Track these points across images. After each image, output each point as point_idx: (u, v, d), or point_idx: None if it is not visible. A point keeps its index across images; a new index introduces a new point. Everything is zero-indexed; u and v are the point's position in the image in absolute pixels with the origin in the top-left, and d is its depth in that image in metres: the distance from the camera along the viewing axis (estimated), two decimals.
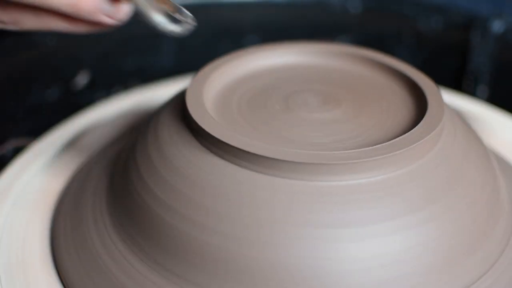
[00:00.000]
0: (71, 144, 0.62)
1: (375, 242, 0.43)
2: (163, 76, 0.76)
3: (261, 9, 0.85)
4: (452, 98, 0.68)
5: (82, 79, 0.77)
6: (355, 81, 0.54)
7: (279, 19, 0.86)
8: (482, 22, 0.78)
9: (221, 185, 0.44)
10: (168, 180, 0.46)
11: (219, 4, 0.82)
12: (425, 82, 0.52)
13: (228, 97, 0.52)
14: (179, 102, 0.51)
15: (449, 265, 0.44)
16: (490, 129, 0.64)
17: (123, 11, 0.45)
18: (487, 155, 0.51)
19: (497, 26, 0.78)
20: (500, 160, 0.58)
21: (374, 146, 0.45)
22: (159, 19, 0.43)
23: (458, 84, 0.80)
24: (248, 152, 0.44)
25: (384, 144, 0.45)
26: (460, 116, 0.53)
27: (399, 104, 0.51)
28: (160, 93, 0.68)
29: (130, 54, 0.79)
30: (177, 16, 0.44)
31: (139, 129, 0.54)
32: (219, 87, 0.52)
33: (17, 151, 0.64)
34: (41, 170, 0.58)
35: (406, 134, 0.47)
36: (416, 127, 0.47)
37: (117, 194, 0.50)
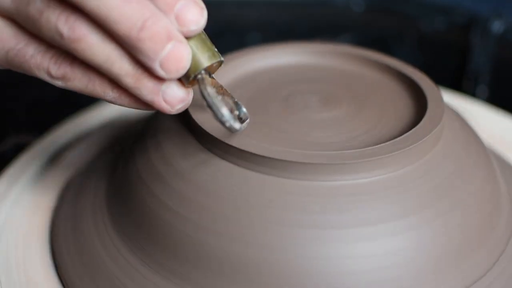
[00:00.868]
0: (72, 144, 0.61)
1: (375, 242, 0.43)
2: None
3: (263, 7, 0.85)
4: (452, 98, 0.68)
5: None
6: (355, 81, 0.54)
7: (282, 17, 0.86)
8: (482, 22, 0.78)
9: (221, 185, 0.44)
10: (168, 181, 0.46)
11: (221, 1, 0.82)
12: (425, 82, 0.52)
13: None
14: None
15: (448, 266, 0.44)
16: (490, 129, 0.64)
17: (186, 100, 0.43)
18: (486, 155, 0.51)
19: (497, 26, 0.78)
20: (500, 159, 0.58)
21: (374, 146, 0.45)
22: (227, 115, 0.42)
23: (458, 84, 0.80)
24: (248, 152, 0.44)
25: (384, 144, 0.45)
26: (460, 116, 0.53)
27: (399, 104, 0.51)
28: None
29: None
30: (236, 112, 0.45)
31: (139, 129, 0.54)
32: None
33: (17, 148, 0.63)
34: (41, 170, 0.58)
35: (406, 134, 0.47)
36: (416, 127, 0.47)
37: (117, 194, 0.50)
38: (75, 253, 0.49)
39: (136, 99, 0.43)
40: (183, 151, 0.47)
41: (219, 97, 0.43)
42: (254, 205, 0.43)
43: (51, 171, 0.58)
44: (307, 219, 0.43)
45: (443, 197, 0.45)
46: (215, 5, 0.79)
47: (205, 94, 0.42)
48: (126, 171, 0.50)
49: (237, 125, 0.42)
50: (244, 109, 0.45)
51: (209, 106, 0.42)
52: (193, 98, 0.44)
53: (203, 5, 0.41)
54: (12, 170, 0.58)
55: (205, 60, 0.42)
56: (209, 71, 0.43)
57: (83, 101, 0.70)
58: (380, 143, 0.46)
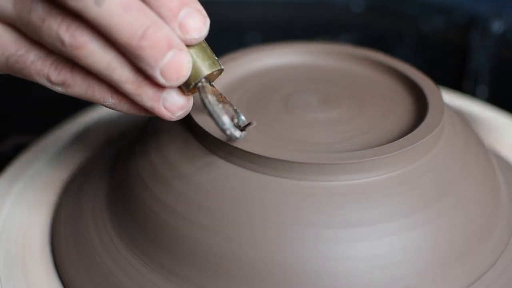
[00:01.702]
0: (72, 143, 0.61)
1: (375, 242, 0.43)
2: None
3: (263, 7, 0.85)
4: (452, 98, 0.68)
5: None
6: (355, 81, 0.54)
7: (281, 17, 0.86)
8: (482, 22, 0.78)
9: (221, 186, 0.44)
10: (168, 181, 0.46)
11: (220, 1, 0.82)
12: (425, 82, 0.52)
13: (228, 97, 0.52)
14: None
15: (450, 265, 0.44)
16: (490, 129, 0.64)
17: (186, 107, 0.43)
18: (487, 155, 0.51)
19: (497, 26, 0.78)
20: (500, 159, 0.58)
21: (375, 146, 0.45)
22: (228, 124, 0.42)
23: (458, 84, 0.80)
24: (248, 153, 0.44)
25: (384, 144, 0.45)
26: (460, 116, 0.53)
27: (399, 104, 0.51)
28: None
29: None
30: (235, 120, 0.45)
31: (139, 128, 0.54)
32: (219, 87, 0.52)
33: (17, 148, 0.63)
34: (41, 169, 0.58)
35: (406, 134, 0.47)
36: (417, 127, 0.47)
37: (117, 194, 0.50)
38: (75, 253, 0.49)
39: (136, 105, 0.43)
40: (184, 151, 0.47)
41: (220, 105, 0.43)
42: (254, 205, 0.43)
43: (51, 171, 0.58)
44: (309, 219, 0.43)
45: (443, 197, 0.45)
46: (214, 4, 0.79)
47: (206, 102, 0.42)
48: (126, 172, 0.50)
49: (237, 133, 0.43)
50: (243, 117, 0.45)
51: (210, 114, 0.42)
52: (193, 100, 0.44)
53: (205, 13, 0.41)
54: (12, 170, 0.58)
55: (206, 68, 0.42)
56: (209, 79, 0.43)
57: (83, 101, 0.70)
58: (380, 143, 0.46)
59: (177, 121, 0.45)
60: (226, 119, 0.42)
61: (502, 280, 0.46)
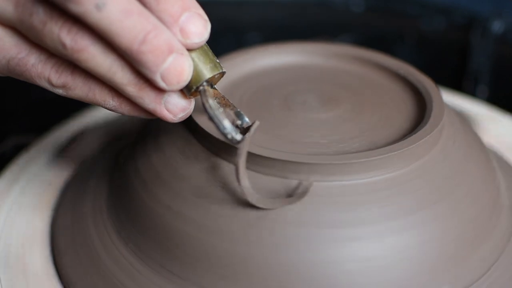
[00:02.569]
0: (72, 144, 0.61)
1: (373, 243, 0.43)
2: None
3: (263, 7, 0.85)
4: (452, 98, 0.68)
5: None
6: (355, 81, 0.54)
7: (281, 17, 0.86)
8: (482, 22, 0.78)
9: (221, 185, 0.44)
10: (167, 180, 0.46)
11: (220, 1, 0.82)
12: (425, 82, 0.52)
13: (228, 97, 0.52)
14: None
15: (449, 266, 0.44)
16: (489, 129, 0.64)
17: (187, 109, 0.43)
18: (486, 155, 0.51)
19: (497, 26, 0.78)
20: (500, 159, 0.58)
21: (374, 147, 0.45)
22: (229, 128, 0.42)
23: (458, 84, 0.80)
24: (248, 153, 0.44)
25: (384, 144, 0.45)
26: (460, 116, 0.53)
27: (399, 104, 0.51)
28: None
29: None
30: (239, 122, 0.45)
31: (139, 129, 0.54)
32: (219, 87, 0.52)
33: (17, 148, 0.63)
34: (41, 170, 0.58)
35: (406, 134, 0.47)
36: (417, 127, 0.47)
37: (117, 194, 0.50)
38: (75, 252, 0.49)
39: (137, 107, 0.43)
40: (184, 152, 0.47)
41: (221, 109, 0.43)
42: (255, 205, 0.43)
43: (51, 171, 0.58)
44: (308, 219, 0.43)
45: (443, 196, 0.45)
46: (214, 5, 0.79)
47: (207, 106, 0.42)
48: (126, 172, 0.50)
49: (238, 136, 0.43)
50: (246, 119, 0.45)
51: (211, 119, 0.42)
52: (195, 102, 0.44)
53: (207, 17, 0.41)
54: (12, 170, 0.58)
55: (207, 72, 0.42)
56: (211, 82, 0.43)
57: (83, 102, 0.70)
58: (381, 144, 0.46)
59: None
60: (226, 123, 0.42)
61: (501, 281, 0.46)
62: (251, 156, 0.44)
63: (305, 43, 0.57)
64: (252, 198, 0.42)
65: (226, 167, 0.45)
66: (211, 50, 0.43)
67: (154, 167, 0.47)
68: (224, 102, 0.45)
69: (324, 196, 0.43)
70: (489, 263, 0.46)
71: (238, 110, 0.45)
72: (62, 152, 0.60)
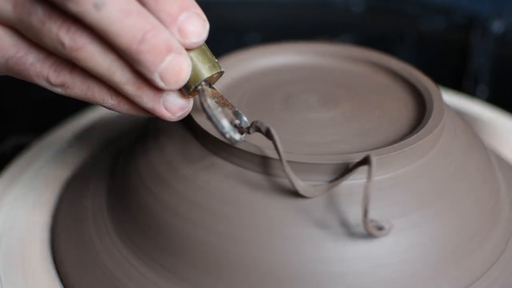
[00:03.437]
0: (72, 143, 0.61)
1: (373, 242, 0.43)
2: None
3: (263, 7, 0.85)
4: (452, 98, 0.68)
5: None
6: (355, 81, 0.54)
7: (281, 17, 0.86)
8: (482, 22, 0.78)
9: (221, 185, 0.44)
10: (168, 180, 0.46)
11: (220, 2, 0.82)
12: (425, 82, 0.52)
13: (228, 97, 0.52)
14: None
15: (448, 266, 0.44)
16: (490, 129, 0.64)
17: (186, 107, 0.43)
18: (487, 155, 0.51)
19: (497, 26, 0.78)
20: (500, 159, 0.58)
21: (374, 147, 0.45)
22: (227, 127, 0.42)
23: (458, 84, 0.80)
24: (247, 152, 0.44)
25: (384, 144, 0.45)
26: (460, 116, 0.53)
27: (399, 104, 0.51)
28: None
29: None
30: (237, 121, 0.45)
31: (139, 128, 0.54)
32: (219, 87, 0.52)
33: (17, 148, 0.63)
34: (42, 169, 0.58)
35: (406, 134, 0.47)
36: (417, 127, 0.47)
37: (117, 194, 0.50)
38: (75, 252, 0.49)
39: (136, 106, 0.43)
40: (184, 151, 0.47)
41: (219, 109, 0.43)
42: (255, 205, 0.43)
43: (51, 171, 0.58)
44: (306, 219, 0.43)
45: (443, 196, 0.45)
46: (214, 5, 0.79)
47: (205, 106, 0.42)
48: (126, 172, 0.50)
49: (237, 136, 0.43)
50: (245, 118, 0.45)
51: (209, 118, 0.43)
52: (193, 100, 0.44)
53: (205, 17, 0.41)
54: (12, 169, 0.58)
55: (206, 71, 0.42)
56: (210, 81, 0.43)
57: (83, 101, 0.70)
58: (381, 144, 0.46)
59: (177, 121, 0.45)
60: (225, 123, 0.42)
61: (501, 281, 0.46)
62: (251, 155, 0.44)
63: (305, 43, 0.57)
64: (300, 187, 0.42)
65: (226, 167, 0.45)
66: (209, 50, 0.43)
67: (154, 167, 0.47)
68: (223, 102, 0.45)
69: (324, 196, 0.43)
70: (489, 263, 0.46)
71: (237, 109, 0.45)
72: (62, 152, 0.60)
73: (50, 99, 0.73)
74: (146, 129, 0.51)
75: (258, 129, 0.43)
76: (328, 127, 0.48)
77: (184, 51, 0.41)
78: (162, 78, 0.40)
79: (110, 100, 0.43)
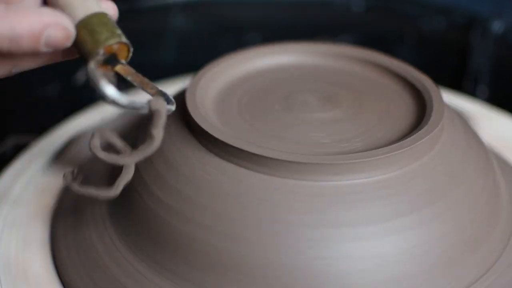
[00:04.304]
0: (71, 144, 0.61)
1: (373, 242, 0.43)
2: (163, 76, 0.76)
3: (263, 8, 0.85)
4: (452, 98, 0.68)
5: (82, 75, 0.76)
6: (355, 81, 0.54)
7: (281, 17, 0.86)
8: (482, 22, 0.78)
9: (221, 185, 0.44)
10: (168, 180, 0.46)
11: (220, 2, 0.82)
12: (425, 82, 0.52)
13: (228, 97, 0.52)
14: (179, 102, 0.50)
15: (449, 266, 0.44)
16: (489, 129, 0.64)
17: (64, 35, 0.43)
18: (486, 155, 0.51)
19: (497, 26, 0.78)
20: (500, 159, 0.58)
21: (374, 147, 0.45)
22: (109, 90, 0.42)
23: (458, 84, 0.80)
24: (247, 152, 0.44)
25: (384, 144, 0.45)
26: (460, 116, 0.53)
27: (399, 104, 0.51)
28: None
29: None
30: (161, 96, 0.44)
31: (139, 128, 0.54)
32: (219, 87, 0.52)
33: (17, 148, 0.63)
34: (41, 170, 0.58)
35: (406, 134, 0.47)
36: (417, 128, 0.47)
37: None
38: (75, 253, 0.49)
39: (44, 55, 0.44)
40: (183, 151, 0.47)
41: (101, 72, 0.42)
42: (255, 205, 0.43)
43: (51, 171, 0.58)
44: (305, 219, 0.43)
45: (443, 196, 0.45)
46: (214, 5, 0.79)
47: (88, 70, 0.42)
48: None
49: (123, 99, 0.42)
50: (171, 98, 0.44)
51: (91, 80, 0.42)
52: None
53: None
54: (12, 169, 0.58)
55: (103, 40, 0.43)
56: (118, 56, 0.44)
57: (83, 101, 0.70)
58: (380, 144, 0.46)
59: (177, 120, 0.46)
60: (104, 84, 0.42)
61: (501, 282, 0.46)
62: (250, 155, 0.44)
63: (305, 43, 0.57)
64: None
65: (227, 167, 0.45)
66: (115, 23, 0.43)
67: (154, 167, 0.47)
68: (140, 80, 0.45)
69: (325, 196, 0.43)
70: (489, 264, 0.46)
71: (160, 89, 0.45)
72: (62, 152, 0.60)
73: (50, 98, 0.73)
74: (146, 129, 0.51)
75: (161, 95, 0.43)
76: (328, 127, 0.48)
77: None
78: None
79: (27, 62, 0.44)
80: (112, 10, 0.45)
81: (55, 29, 0.41)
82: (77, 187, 0.45)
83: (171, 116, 0.49)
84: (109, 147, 0.44)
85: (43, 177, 0.58)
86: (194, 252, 0.44)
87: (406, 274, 0.43)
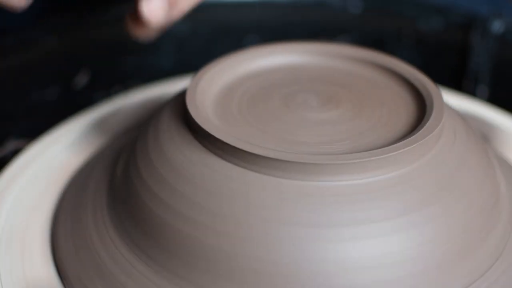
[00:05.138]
0: (71, 144, 0.62)
1: (371, 242, 0.43)
2: (163, 76, 0.76)
3: (261, 9, 0.85)
4: (452, 98, 0.68)
5: (82, 79, 0.76)
6: (355, 81, 0.54)
7: (279, 18, 0.86)
8: (482, 22, 0.78)
9: (221, 185, 0.44)
10: (168, 180, 0.46)
11: (219, 3, 0.82)
12: (425, 82, 0.52)
13: (228, 97, 0.52)
14: (179, 102, 0.51)
15: (446, 267, 0.44)
16: (490, 129, 0.64)
17: None
18: (487, 156, 0.51)
19: (497, 26, 0.78)
20: (500, 159, 0.58)
21: (374, 147, 0.45)
22: None
23: (458, 84, 0.80)
24: (247, 152, 0.44)
25: (384, 144, 0.45)
26: (460, 116, 0.53)
27: (399, 104, 0.51)
28: (160, 93, 0.68)
29: (130, 54, 0.79)
30: None
31: (139, 128, 0.54)
32: (219, 87, 0.53)
33: (17, 152, 0.63)
34: (41, 170, 0.58)
35: (406, 134, 0.47)
36: (417, 127, 0.47)
37: (117, 194, 0.50)
38: (75, 252, 0.49)
39: None
40: (184, 151, 0.47)
41: None
42: (254, 205, 0.43)
43: (52, 170, 0.58)
44: (306, 219, 0.43)
45: (444, 196, 0.45)
46: (212, 7, 0.79)
47: None
48: (127, 172, 0.50)
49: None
50: None
51: None
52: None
53: None
54: (12, 169, 0.58)
55: None
56: None
57: (84, 104, 0.70)
58: (380, 144, 0.46)
59: (177, 120, 0.46)
60: None
61: (501, 280, 0.46)
62: (250, 155, 0.44)
63: (304, 43, 0.57)
64: None
65: (227, 167, 0.45)
66: None
67: (154, 166, 0.47)
68: None
69: (325, 196, 0.43)
70: (489, 263, 0.46)
71: None
72: (62, 152, 0.60)
73: (51, 102, 0.73)
74: (146, 129, 0.51)
75: None
76: (328, 127, 0.48)
77: None
78: None
79: None
80: None
81: None
82: None
83: (171, 116, 0.49)
84: None
85: (44, 176, 0.58)
86: (194, 252, 0.44)
87: (404, 275, 0.43)
